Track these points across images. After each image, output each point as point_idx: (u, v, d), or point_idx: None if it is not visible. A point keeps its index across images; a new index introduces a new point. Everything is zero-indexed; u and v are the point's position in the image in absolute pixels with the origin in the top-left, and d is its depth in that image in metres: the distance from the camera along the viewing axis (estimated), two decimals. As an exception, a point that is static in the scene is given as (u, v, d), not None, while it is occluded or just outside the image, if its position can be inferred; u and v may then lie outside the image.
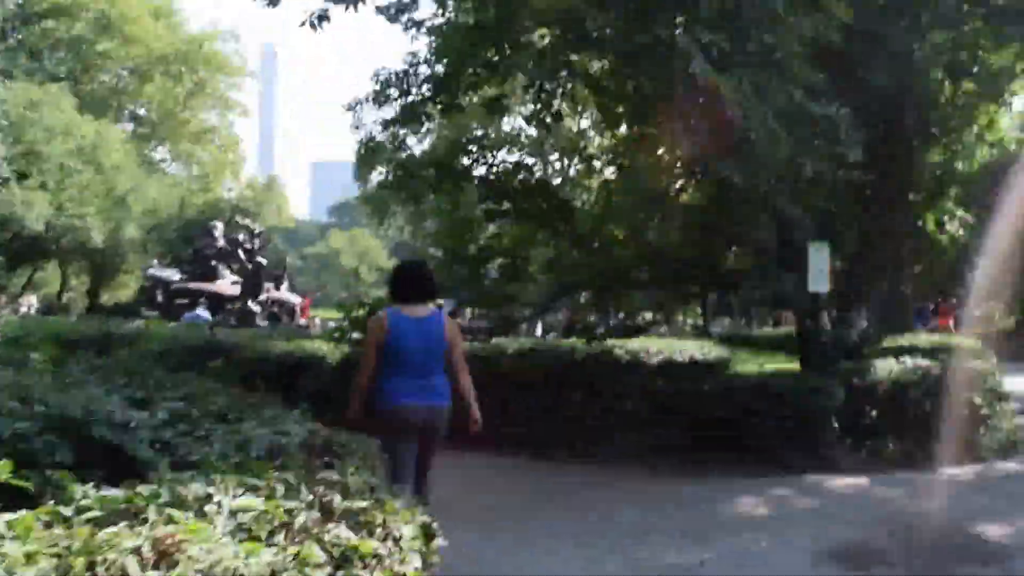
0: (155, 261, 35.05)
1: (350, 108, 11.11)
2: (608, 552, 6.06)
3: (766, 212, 9.56)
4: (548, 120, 10.64)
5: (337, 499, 2.98)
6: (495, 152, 10.87)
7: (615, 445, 9.56)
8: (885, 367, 9.98)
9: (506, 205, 10.86)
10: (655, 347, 13.08)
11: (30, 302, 53.93)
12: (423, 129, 10.58)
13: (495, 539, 6.45)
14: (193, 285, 30.47)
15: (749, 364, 12.76)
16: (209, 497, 2.76)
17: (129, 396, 5.88)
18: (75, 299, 57.58)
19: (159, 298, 30.94)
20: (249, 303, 29.27)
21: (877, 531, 6.75)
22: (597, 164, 12.14)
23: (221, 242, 31.90)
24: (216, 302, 29.04)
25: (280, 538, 2.60)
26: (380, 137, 10.92)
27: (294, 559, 2.40)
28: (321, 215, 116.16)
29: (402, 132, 10.50)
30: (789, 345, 24.88)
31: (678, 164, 10.91)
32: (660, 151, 10.01)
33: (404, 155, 10.32)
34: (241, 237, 31.70)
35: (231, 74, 69.42)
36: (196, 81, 65.29)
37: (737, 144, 8.03)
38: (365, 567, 2.70)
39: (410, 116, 9.82)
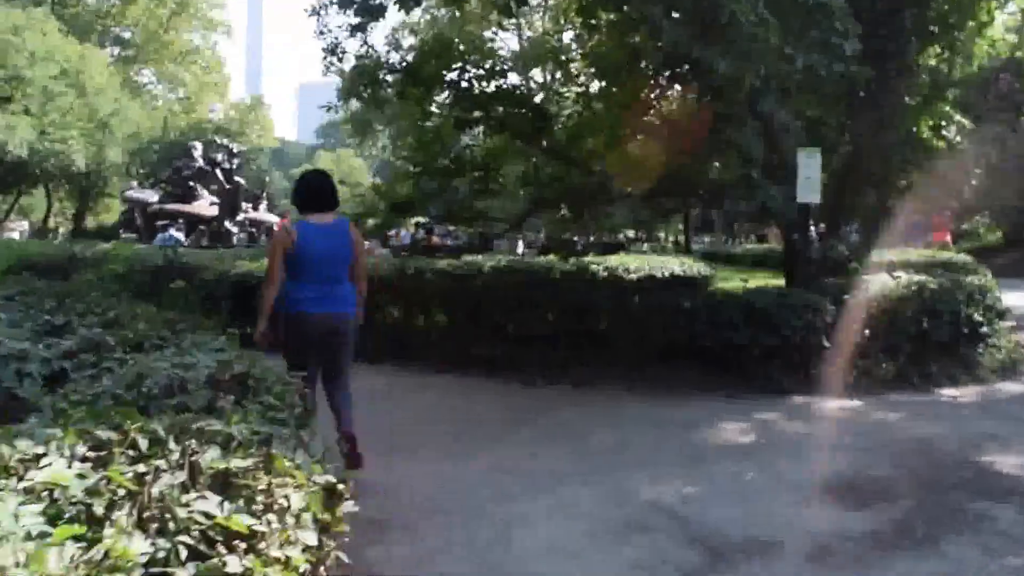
0: (134, 183, 34.23)
1: (314, 12, 10.31)
2: (581, 484, 5.52)
3: (752, 117, 8.90)
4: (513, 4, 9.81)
5: (211, 455, 2.38)
6: (469, 59, 9.99)
7: (590, 366, 9.06)
8: (877, 283, 9.44)
9: (478, 113, 10.18)
10: (634, 264, 12.58)
11: (21, 227, 53.18)
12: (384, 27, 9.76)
13: (460, 464, 5.95)
14: (171, 206, 29.74)
15: (733, 281, 12.23)
16: (37, 458, 2.18)
17: (47, 323, 5.34)
18: (61, 223, 56.86)
19: (138, 220, 30.23)
20: (226, 223, 28.58)
21: (875, 460, 6.06)
22: (575, 69, 11.35)
23: (200, 163, 31.07)
24: (194, 223, 28.36)
25: (122, 514, 2.03)
26: (347, 46, 10.02)
27: (103, 559, 1.78)
28: (309, 137, 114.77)
29: (368, 38, 9.67)
30: (772, 262, 24.43)
31: (660, 67, 10.20)
32: (638, 39, 9.20)
33: (367, 59, 9.45)
34: (219, 157, 30.84)
35: (212, -8, 67.88)
36: (179, 1, 63.69)
37: (722, 29, 7.36)
38: (232, 551, 2.07)
39: (366, 9, 9.03)
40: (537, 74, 30.61)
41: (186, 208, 29.51)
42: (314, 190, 6.00)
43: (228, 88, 71.17)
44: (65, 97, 44.28)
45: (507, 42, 34.03)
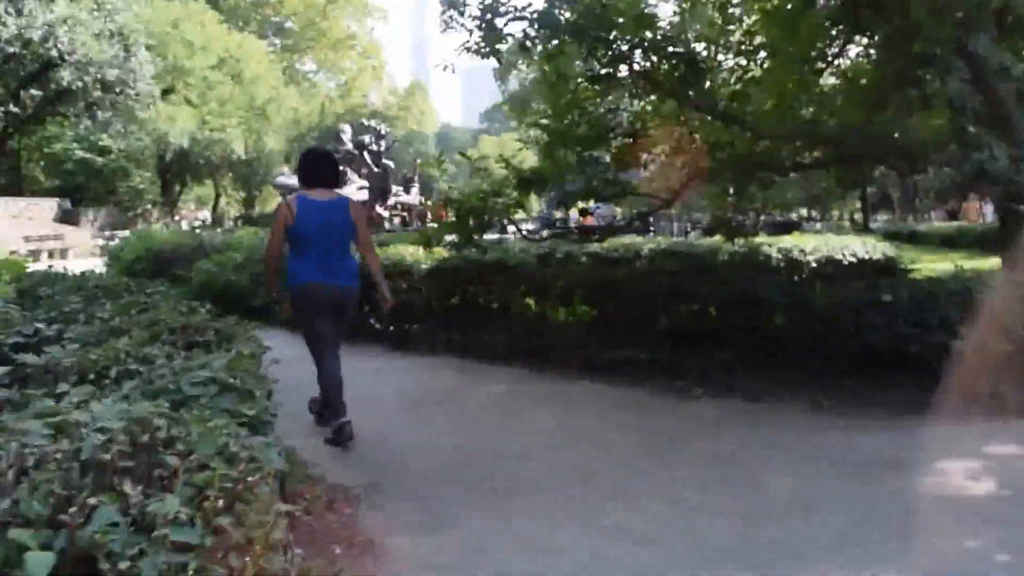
0: (284, 170, 33.95)
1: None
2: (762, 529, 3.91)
3: (960, 58, 6.95)
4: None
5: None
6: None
7: (762, 375, 7.33)
8: None
9: (623, 71, 8.53)
10: (811, 244, 10.73)
11: (203, 216, 54.72)
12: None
13: (577, 526, 4.28)
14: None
15: (928, 264, 10.20)
16: None
17: (33, 331, 4.17)
18: (230, 212, 58.21)
19: (290, 207, 29.90)
20: (377, 208, 27.79)
21: None
22: (737, 14, 9.53)
23: (348, 146, 30.36)
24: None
25: None
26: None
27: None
28: (473, 121, 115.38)
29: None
30: (965, 241, 21.60)
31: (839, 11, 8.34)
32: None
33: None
34: (367, 140, 29.98)
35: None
36: (336, -12, 64.21)
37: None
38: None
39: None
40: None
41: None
42: (314, 167, 6.15)
43: (384, 73, 71.41)
44: (224, 86, 44.94)
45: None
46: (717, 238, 12.39)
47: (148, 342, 3.65)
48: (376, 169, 28.92)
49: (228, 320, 4.62)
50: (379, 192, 28.07)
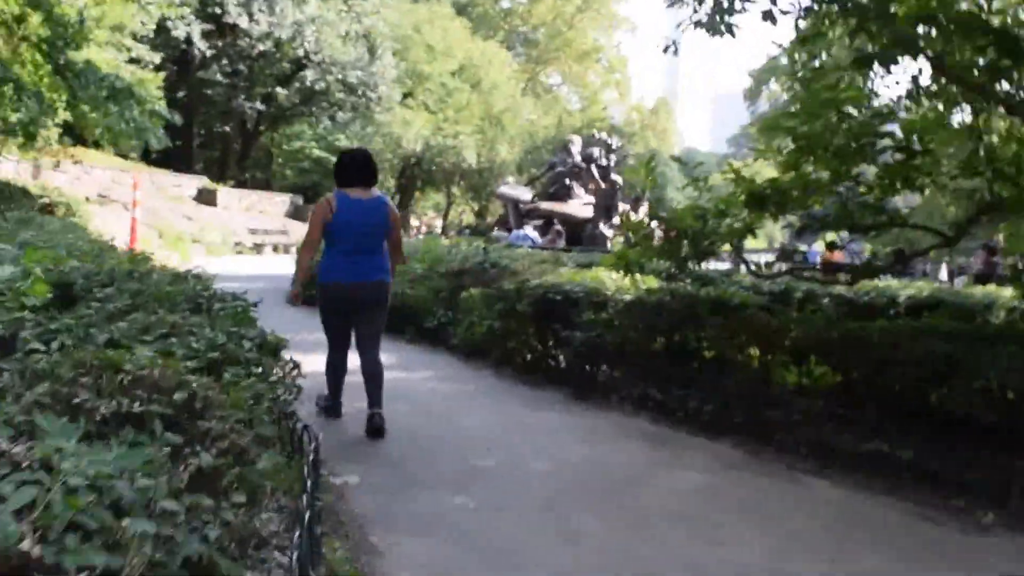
0: (509, 179, 32.75)
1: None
2: None
3: None
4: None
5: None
6: None
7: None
8: None
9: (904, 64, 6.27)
10: None
11: (436, 224, 55.19)
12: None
13: None
14: (544, 205, 27.70)
15: None
16: None
17: None
18: (462, 221, 58.30)
19: (510, 219, 28.60)
20: (601, 226, 26.03)
21: None
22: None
23: (576, 159, 28.76)
24: (568, 224, 26.09)
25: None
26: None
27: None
28: (721, 147, 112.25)
29: None
30: None
31: None
32: None
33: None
34: (596, 153, 28.24)
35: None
36: (587, -4, 63.22)
37: None
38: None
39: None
40: None
41: (559, 207, 27.33)
42: (354, 166, 6.39)
43: (628, 88, 69.78)
44: (461, 93, 44.59)
45: None
46: (992, 287, 9.82)
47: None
48: (603, 185, 27.11)
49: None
50: (604, 209, 26.27)
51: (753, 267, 8.10)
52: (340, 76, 39.78)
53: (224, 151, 44.14)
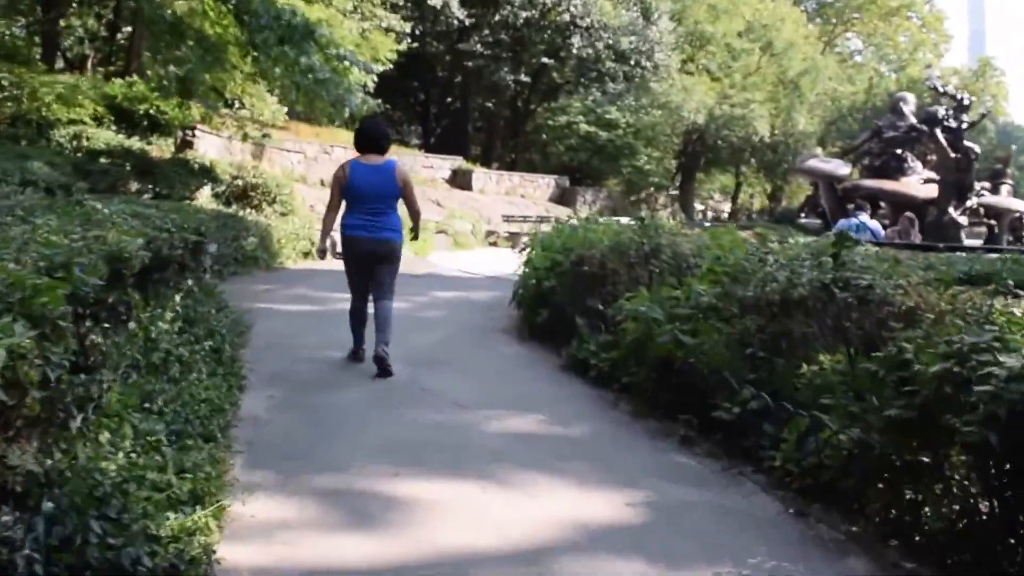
0: (817, 150, 25.88)
1: None
2: None
3: None
4: None
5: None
6: None
7: None
8: None
9: None
10: None
11: (724, 208, 49.01)
12: None
13: None
14: (868, 183, 21.20)
15: None
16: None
17: None
18: (755, 205, 51.63)
19: (823, 201, 22.34)
20: (950, 210, 19.30)
21: None
22: None
23: (911, 120, 21.96)
24: (901, 207, 19.48)
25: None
26: None
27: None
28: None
29: None
30: None
31: None
32: None
33: None
34: (941, 113, 21.19)
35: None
36: (891, -54, 54.32)
37: None
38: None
39: None
40: None
41: (890, 186, 20.76)
42: (367, 135, 7.30)
43: (948, 49, 59.94)
44: (750, 56, 38.11)
45: None
46: None
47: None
48: (954, 155, 20.13)
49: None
50: (954, 187, 19.55)
51: None
52: (611, 42, 34.59)
53: (490, 131, 40.15)
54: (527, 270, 9.57)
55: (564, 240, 9.18)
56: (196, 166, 15.86)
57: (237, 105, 20.55)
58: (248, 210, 15.99)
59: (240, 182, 16.41)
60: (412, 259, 14.22)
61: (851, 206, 17.87)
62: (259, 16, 11.73)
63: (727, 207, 47.96)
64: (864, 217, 14.51)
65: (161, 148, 16.80)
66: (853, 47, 60.95)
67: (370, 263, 7.13)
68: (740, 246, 6.88)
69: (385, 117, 36.55)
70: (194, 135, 17.57)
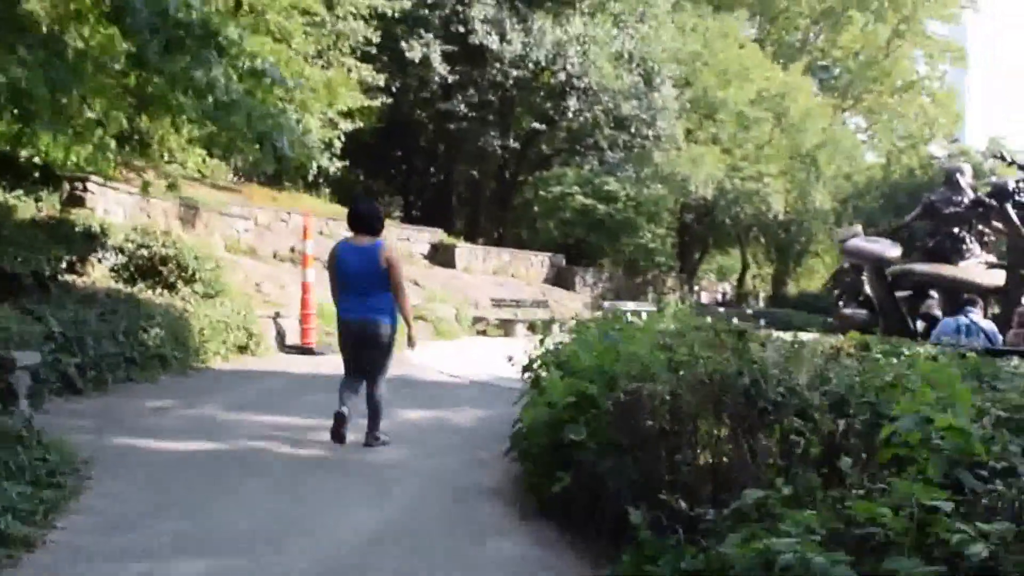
0: (856, 227, 22.53)
1: None
2: None
3: None
4: None
5: None
6: None
7: None
8: None
9: None
10: None
11: (722, 288, 45.32)
12: None
13: None
14: (922, 267, 17.70)
15: None
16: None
17: None
18: (760, 288, 48.20)
19: (867, 287, 18.80)
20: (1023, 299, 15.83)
21: None
22: None
23: (969, 194, 18.55)
24: (960, 296, 15.91)
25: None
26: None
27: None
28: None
29: None
30: None
31: None
32: None
33: None
34: (1012, 185, 17.72)
35: (944, 6, 54.80)
36: (903, 17, 51.90)
37: None
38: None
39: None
40: None
41: (949, 271, 17.25)
42: (357, 216, 7.37)
43: (959, 127, 57.26)
44: (762, 126, 34.98)
45: None
46: None
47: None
48: (1026, 232, 16.59)
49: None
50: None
51: None
52: (611, 106, 31.42)
53: (475, 203, 36.70)
54: (533, 403, 5.88)
55: (598, 357, 5.47)
56: (80, 230, 12.13)
57: (166, 156, 17.00)
58: (160, 290, 12.37)
59: (145, 252, 12.72)
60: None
61: (909, 293, 14.34)
62: (135, 11, 7.96)
63: (721, 290, 44.31)
64: (976, 315, 10.95)
65: (54, 206, 13.21)
66: (860, 123, 58.44)
67: (358, 346, 7.18)
68: (963, 396, 3.27)
69: (364, 187, 33.20)
70: (85, 189, 13.84)
